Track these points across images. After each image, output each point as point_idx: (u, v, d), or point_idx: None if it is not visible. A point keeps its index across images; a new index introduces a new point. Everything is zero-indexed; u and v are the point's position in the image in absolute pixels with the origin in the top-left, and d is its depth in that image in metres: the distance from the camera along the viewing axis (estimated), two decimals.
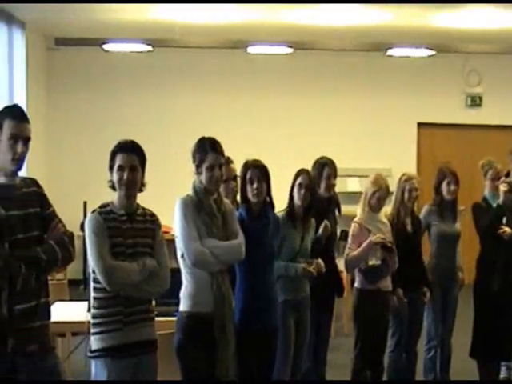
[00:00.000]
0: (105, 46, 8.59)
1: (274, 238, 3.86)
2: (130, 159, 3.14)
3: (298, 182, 4.21)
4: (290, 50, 8.64)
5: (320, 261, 4.17)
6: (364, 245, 4.41)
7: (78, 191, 8.34)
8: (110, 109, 9.14)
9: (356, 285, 4.55)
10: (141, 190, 3.21)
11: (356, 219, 4.54)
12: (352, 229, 4.52)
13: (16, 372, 2.39)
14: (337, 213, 4.79)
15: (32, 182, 3.03)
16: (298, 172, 4.28)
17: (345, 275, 4.74)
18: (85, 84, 9.15)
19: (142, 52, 8.73)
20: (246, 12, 7.23)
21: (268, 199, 3.82)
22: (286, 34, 8.33)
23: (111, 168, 3.17)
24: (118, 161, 3.14)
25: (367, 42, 8.87)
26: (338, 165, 4.66)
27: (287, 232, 4.12)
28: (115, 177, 3.15)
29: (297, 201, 4.20)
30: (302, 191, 4.18)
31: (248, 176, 3.74)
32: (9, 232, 2.64)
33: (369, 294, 4.46)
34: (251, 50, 8.69)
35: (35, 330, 2.83)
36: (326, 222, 4.35)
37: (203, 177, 3.45)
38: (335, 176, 4.64)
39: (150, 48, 8.61)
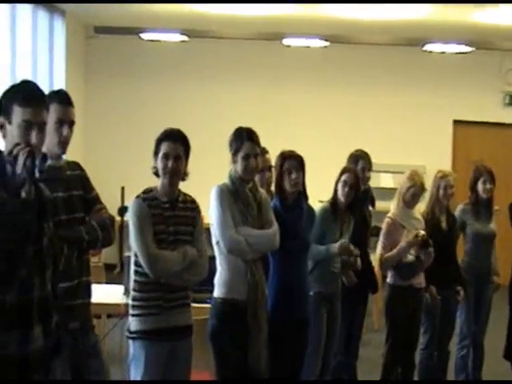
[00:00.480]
0: (142, 35, 8.70)
1: (308, 229, 3.89)
2: (176, 148, 3.19)
3: (343, 178, 4.23)
4: (326, 44, 8.64)
5: (358, 259, 4.22)
6: (400, 245, 4.37)
7: (115, 177, 8.46)
8: (145, 96, 9.24)
9: (388, 280, 4.53)
10: (183, 179, 3.26)
11: (389, 215, 4.51)
12: (385, 224, 4.49)
13: (60, 348, 2.47)
14: (371, 207, 4.81)
15: (76, 165, 3.11)
16: (344, 169, 4.31)
17: (377, 269, 4.73)
18: (121, 72, 9.26)
19: (178, 42, 8.82)
20: (283, 4, 7.24)
21: (302, 190, 3.86)
22: (322, 27, 8.33)
23: (156, 154, 3.22)
24: (164, 149, 3.19)
25: (404, 36, 8.81)
26: (372, 160, 4.67)
27: (328, 225, 4.16)
28: (159, 164, 3.20)
29: (340, 197, 4.22)
30: (347, 189, 4.20)
31: (285, 166, 3.78)
32: (53, 213, 2.71)
33: (401, 290, 4.44)
34: (286, 42, 8.71)
35: (77, 308, 2.91)
36: (351, 273, 4.28)
37: (239, 166, 3.50)
38: (370, 169, 4.65)
39: (185, 38, 8.70)
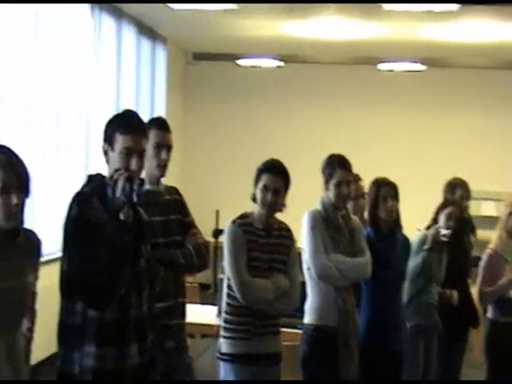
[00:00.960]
0: (238, 61, 8.90)
1: (403, 259, 3.84)
2: (276, 181, 3.21)
3: (447, 211, 4.15)
4: (422, 67, 8.52)
5: (455, 292, 4.13)
6: (503, 282, 4.13)
7: (210, 200, 8.65)
8: (241, 122, 9.42)
9: (489, 315, 4.29)
10: (280, 210, 3.29)
11: (491, 246, 4.26)
12: (486, 256, 4.24)
13: (155, 367, 2.56)
14: (471, 237, 4.66)
15: (174, 190, 3.23)
16: (448, 202, 4.23)
17: (477, 302, 4.55)
18: (219, 97, 9.49)
19: (273, 67, 8.96)
20: (377, 27, 7.22)
21: (397, 219, 3.82)
22: (417, 49, 8.23)
23: (255, 184, 3.26)
24: (264, 180, 3.22)
25: (504, 58, 8.57)
26: (472, 187, 4.55)
27: (426, 254, 4.08)
28: (258, 195, 3.24)
29: (442, 229, 4.13)
30: (451, 223, 4.12)
31: (380, 194, 3.76)
32: (151, 235, 2.82)
33: (503, 327, 4.21)
34: (382, 66, 8.66)
35: (172, 328, 3.01)
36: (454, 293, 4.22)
37: (331, 193, 3.51)
38: (468, 198, 4.53)
39: (281, 63, 8.83)
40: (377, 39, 7.78)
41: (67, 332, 2.44)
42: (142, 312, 2.56)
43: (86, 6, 6.15)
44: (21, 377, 2.35)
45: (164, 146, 3.03)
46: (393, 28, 7.25)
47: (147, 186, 3.00)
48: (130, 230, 2.38)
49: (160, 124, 3.09)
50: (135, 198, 2.35)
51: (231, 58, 8.91)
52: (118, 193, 2.34)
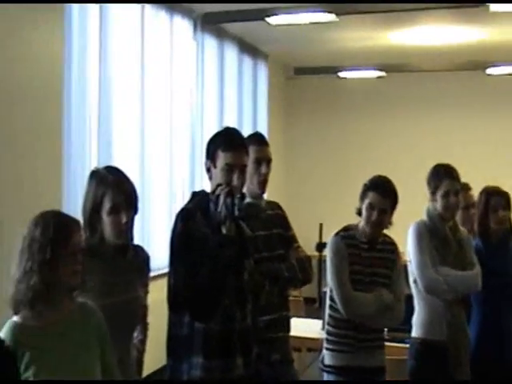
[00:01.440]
0: (340, 74, 8.88)
1: None
2: (382, 201, 3.16)
3: None
4: None
5: None
6: None
7: (314, 214, 8.65)
8: (344, 133, 9.37)
9: None
10: (386, 228, 3.25)
11: None
12: None
13: (260, 379, 2.60)
14: None
15: (275, 205, 3.26)
16: None
17: None
18: (320, 110, 9.50)
19: (375, 78, 8.87)
20: (482, 31, 6.99)
21: (509, 228, 3.68)
22: None
23: (361, 199, 3.23)
24: (370, 198, 3.18)
25: None
26: None
27: None
28: (364, 212, 3.20)
29: None
30: None
31: (491, 203, 3.64)
32: (254, 250, 2.86)
33: None
34: (491, 71, 8.36)
35: (277, 341, 3.03)
36: None
37: (438, 204, 3.42)
38: None
39: (383, 74, 8.73)
40: (483, 43, 7.52)
41: (175, 344, 2.53)
42: (247, 325, 2.60)
43: (189, 27, 6.35)
44: None
45: (263, 160, 3.07)
46: (500, 30, 6.99)
47: (248, 200, 3.06)
48: (233, 243, 2.43)
49: (258, 139, 3.13)
50: (237, 212, 2.40)
51: (332, 70, 8.90)
52: (220, 207, 2.40)
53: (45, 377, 1.94)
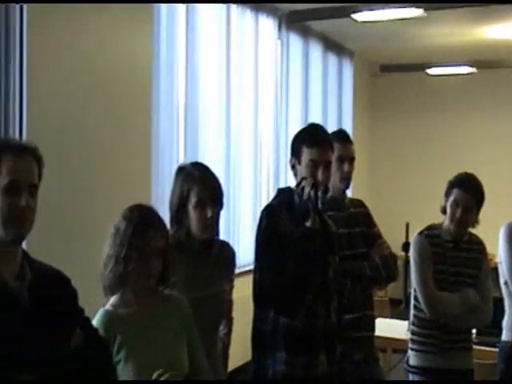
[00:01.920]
0: (428, 71, 8.67)
1: None
2: (466, 198, 3.10)
3: None
4: None
5: None
6: None
7: (400, 213, 8.48)
8: (432, 132, 9.16)
9: None
10: (473, 226, 3.17)
11: None
12: None
13: (343, 378, 2.58)
14: None
15: (359, 202, 3.22)
16: None
17: None
18: (407, 108, 9.32)
19: (465, 74, 8.61)
20: None
21: None
22: None
23: (446, 197, 3.17)
24: (454, 195, 3.12)
25: None
26: None
27: None
28: (448, 209, 3.15)
29: None
30: None
31: None
32: (337, 248, 2.84)
33: None
34: None
35: (361, 340, 2.99)
36: None
37: None
38: None
39: (474, 70, 8.46)
40: None
41: (260, 339, 2.54)
42: (331, 322, 2.59)
43: (274, 25, 6.37)
44: (219, 378, 2.48)
45: (346, 158, 3.04)
46: None
47: (331, 194, 3.03)
48: (316, 236, 2.42)
49: (341, 136, 3.10)
50: (320, 205, 2.39)
51: (420, 67, 8.71)
52: (304, 199, 2.41)
53: (134, 361, 2.01)
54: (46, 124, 3.52)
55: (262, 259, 2.47)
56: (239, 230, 5.58)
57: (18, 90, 3.28)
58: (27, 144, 1.84)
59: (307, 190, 2.42)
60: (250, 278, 2.61)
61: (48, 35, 3.55)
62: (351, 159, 3.06)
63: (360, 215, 3.14)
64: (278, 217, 2.49)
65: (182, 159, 4.75)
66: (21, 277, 1.77)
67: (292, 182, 2.71)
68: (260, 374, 2.52)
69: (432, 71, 8.67)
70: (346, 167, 3.02)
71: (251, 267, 2.67)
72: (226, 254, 2.60)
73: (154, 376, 1.92)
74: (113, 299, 2.11)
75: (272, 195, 2.72)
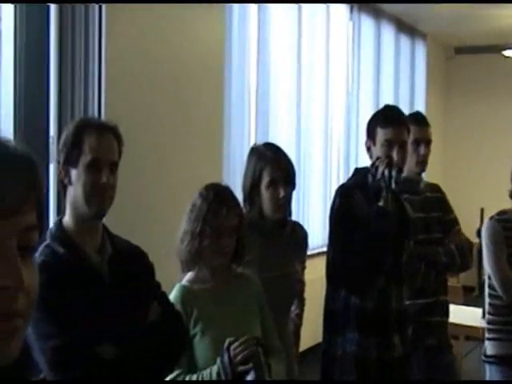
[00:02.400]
0: (504, 52, 8.39)
1: None
2: None
3: None
4: None
5: None
6: None
7: (475, 198, 8.29)
8: (507, 115, 8.88)
9: None
10: None
11: None
12: None
13: (414, 362, 2.55)
14: None
15: (436, 187, 3.16)
16: None
17: None
18: (482, 90, 9.05)
19: None
20: None
21: None
22: None
23: None
24: None
25: None
26: None
27: None
28: None
29: None
30: None
31: None
32: (413, 232, 2.80)
33: None
34: None
35: (433, 325, 2.95)
36: None
37: None
38: None
39: None
40: None
41: (331, 318, 2.54)
42: (403, 306, 2.56)
43: (346, 7, 6.30)
44: (291, 357, 2.49)
45: (423, 140, 2.99)
46: None
47: (407, 177, 2.98)
48: (390, 216, 2.40)
49: (418, 119, 3.05)
50: (394, 185, 2.37)
51: (496, 49, 8.44)
52: (377, 178, 2.39)
53: (210, 335, 2.04)
54: (124, 109, 3.60)
55: (336, 239, 2.47)
56: (309, 211, 5.57)
57: (96, 83, 3.35)
58: (108, 123, 1.88)
59: (381, 169, 2.40)
60: (319, 260, 2.62)
61: (124, 32, 3.63)
62: (427, 142, 3.00)
63: (436, 200, 3.09)
64: (351, 197, 2.48)
65: (252, 141, 4.77)
66: (102, 251, 1.82)
67: (364, 164, 2.68)
68: (330, 353, 2.52)
69: (508, 53, 8.38)
70: (422, 150, 2.97)
71: (320, 250, 2.68)
72: (299, 234, 2.60)
73: (226, 344, 1.95)
74: (189, 275, 2.15)
75: (342, 176, 2.71)
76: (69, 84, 3.24)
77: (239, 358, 1.90)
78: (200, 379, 1.98)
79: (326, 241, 2.62)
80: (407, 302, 2.66)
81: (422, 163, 3.01)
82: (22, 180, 0.74)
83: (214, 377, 1.95)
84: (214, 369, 1.95)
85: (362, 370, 2.45)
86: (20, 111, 3.07)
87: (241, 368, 1.90)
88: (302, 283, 2.66)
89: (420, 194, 3.04)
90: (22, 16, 3.06)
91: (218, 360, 1.94)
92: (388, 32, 7.20)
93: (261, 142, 2.66)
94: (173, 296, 2.08)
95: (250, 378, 1.91)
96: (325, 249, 2.74)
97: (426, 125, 3.04)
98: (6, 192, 0.72)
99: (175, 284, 2.14)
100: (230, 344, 1.94)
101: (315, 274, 3.07)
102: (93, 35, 3.29)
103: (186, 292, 2.10)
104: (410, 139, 2.87)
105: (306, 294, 2.78)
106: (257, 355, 1.91)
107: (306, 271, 2.72)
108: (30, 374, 1.54)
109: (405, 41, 7.72)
